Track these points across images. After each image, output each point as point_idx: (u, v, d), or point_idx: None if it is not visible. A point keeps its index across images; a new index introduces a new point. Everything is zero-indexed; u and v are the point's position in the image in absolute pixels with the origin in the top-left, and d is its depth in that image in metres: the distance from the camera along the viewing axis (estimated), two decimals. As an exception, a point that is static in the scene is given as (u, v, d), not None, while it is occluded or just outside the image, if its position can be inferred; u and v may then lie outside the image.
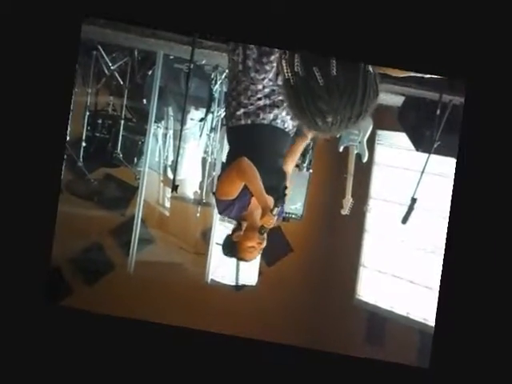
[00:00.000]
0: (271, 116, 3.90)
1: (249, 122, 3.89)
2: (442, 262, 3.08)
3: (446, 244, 3.06)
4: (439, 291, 3.08)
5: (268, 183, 3.85)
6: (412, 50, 3.07)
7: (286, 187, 4.05)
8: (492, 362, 3.10)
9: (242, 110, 3.88)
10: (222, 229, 7.24)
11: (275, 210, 3.77)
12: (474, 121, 3.03)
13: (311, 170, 7.22)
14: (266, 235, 3.90)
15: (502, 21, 3.04)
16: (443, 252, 3.08)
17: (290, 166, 4.24)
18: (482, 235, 3.05)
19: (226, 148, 6.81)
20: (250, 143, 3.92)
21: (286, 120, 3.95)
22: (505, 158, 3.04)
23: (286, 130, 3.99)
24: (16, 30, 3.04)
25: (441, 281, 3.08)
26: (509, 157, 3.05)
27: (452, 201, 3.04)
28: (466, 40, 3.03)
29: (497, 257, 3.06)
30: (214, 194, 4.06)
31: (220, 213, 4.10)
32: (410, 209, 6.09)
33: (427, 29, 3.06)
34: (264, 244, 3.95)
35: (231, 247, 4.05)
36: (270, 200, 3.84)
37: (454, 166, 3.09)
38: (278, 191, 3.94)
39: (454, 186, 3.06)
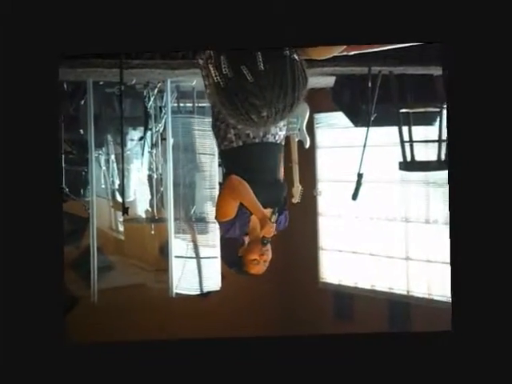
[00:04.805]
0: (261, 133, 3.89)
1: (240, 143, 3.89)
2: (449, 229, 3.12)
3: (449, 211, 3.11)
4: (450, 253, 3.11)
5: (267, 197, 3.89)
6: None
7: (285, 197, 4.09)
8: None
9: (232, 132, 3.87)
10: (178, 242, 7.29)
11: (273, 218, 3.79)
12: (456, 84, 3.09)
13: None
14: (269, 247, 3.91)
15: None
16: (448, 220, 3.13)
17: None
18: (483, 202, 3.08)
19: (171, 161, 6.97)
20: (244, 163, 3.92)
21: (276, 132, 3.95)
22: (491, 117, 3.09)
23: (278, 141, 3.99)
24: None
25: (450, 243, 3.10)
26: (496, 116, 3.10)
27: (449, 169, 3.11)
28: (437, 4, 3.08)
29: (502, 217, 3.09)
30: (215, 218, 4.06)
31: (223, 235, 4.07)
32: (358, 184, 6.11)
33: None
34: (268, 256, 3.94)
35: (237, 263, 4.02)
36: (267, 211, 3.85)
37: (446, 133, 3.13)
38: (278, 202, 3.95)
39: (448, 152, 3.09)
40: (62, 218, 3.20)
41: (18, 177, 3.11)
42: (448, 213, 3.14)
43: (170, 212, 7.10)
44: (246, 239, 3.98)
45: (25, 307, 3.14)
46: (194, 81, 6.67)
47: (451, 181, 3.10)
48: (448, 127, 3.11)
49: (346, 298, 9.28)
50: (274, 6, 3.11)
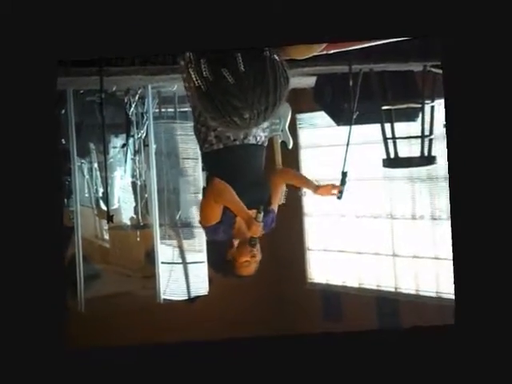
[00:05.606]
0: (241, 135, 3.88)
1: (221, 146, 3.88)
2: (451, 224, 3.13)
3: (450, 205, 3.11)
4: (452, 248, 3.12)
5: (251, 198, 3.87)
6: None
7: (270, 198, 4.08)
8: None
9: (212, 134, 3.87)
10: (164, 247, 7.26)
11: (259, 217, 3.77)
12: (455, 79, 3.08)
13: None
14: (258, 247, 3.90)
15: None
16: (450, 216, 3.13)
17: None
18: (483, 196, 3.08)
19: (155, 167, 6.95)
20: (226, 165, 3.91)
21: (257, 134, 3.94)
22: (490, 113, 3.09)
23: (259, 143, 3.98)
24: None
25: (452, 238, 3.11)
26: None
27: (449, 165, 3.10)
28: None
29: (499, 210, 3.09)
30: (199, 223, 4.04)
31: (209, 239, 4.09)
32: (343, 183, 6.11)
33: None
34: (258, 256, 3.93)
35: (226, 267, 4.01)
36: (252, 212, 3.82)
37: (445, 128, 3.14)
38: (262, 203, 3.92)
39: (447, 148, 3.09)
40: (62, 225, 3.20)
41: (18, 180, 3.11)
42: (440, 208, 3.17)
43: (155, 218, 7.07)
44: (235, 242, 3.96)
45: (21, 310, 3.14)
46: (175, 86, 6.65)
47: (451, 175, 3.09)
48: (446, 121, 3.10)
49: (335, 298, 9.29)
50: (253, 6, 3.10)
